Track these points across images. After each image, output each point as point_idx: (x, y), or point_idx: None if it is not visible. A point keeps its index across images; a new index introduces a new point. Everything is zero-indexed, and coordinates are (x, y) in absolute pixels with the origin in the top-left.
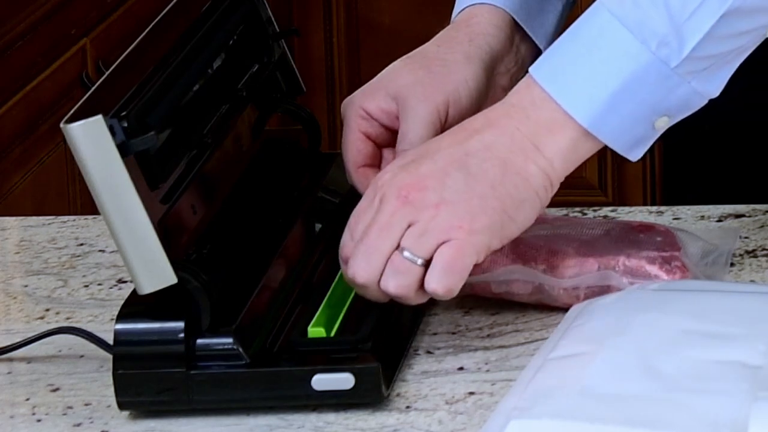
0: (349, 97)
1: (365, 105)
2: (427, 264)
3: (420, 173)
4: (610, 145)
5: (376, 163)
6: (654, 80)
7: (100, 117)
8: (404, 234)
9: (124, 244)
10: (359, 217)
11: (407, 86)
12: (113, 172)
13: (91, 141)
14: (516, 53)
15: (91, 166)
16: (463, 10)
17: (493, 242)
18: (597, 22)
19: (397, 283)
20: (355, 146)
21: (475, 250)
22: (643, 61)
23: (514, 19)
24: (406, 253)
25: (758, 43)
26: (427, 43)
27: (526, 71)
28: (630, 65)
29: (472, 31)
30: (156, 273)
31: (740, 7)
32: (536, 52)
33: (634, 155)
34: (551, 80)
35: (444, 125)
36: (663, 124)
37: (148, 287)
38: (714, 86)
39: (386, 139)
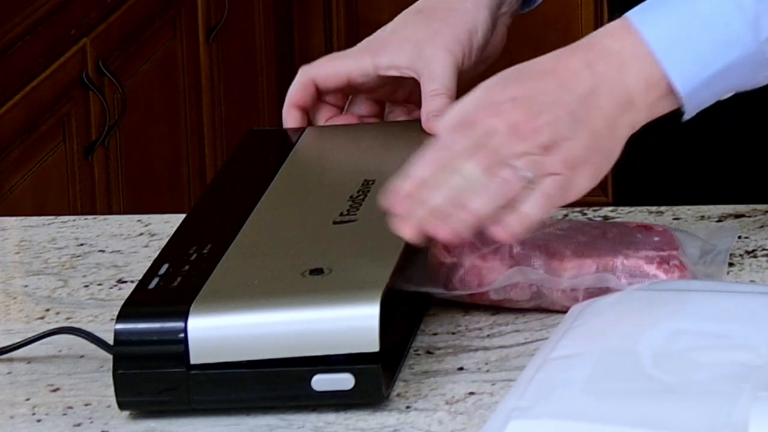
0: (362, 49)
1: (378, 62)
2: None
3: (532, 111)
4: (687, 110)
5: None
6: (751, 67)
7: None
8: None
9: None
10: (450, 137)
11: (425, 40)
12: None
13: None
14: None
15: None
16: None
17: (583, 189)
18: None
19: (510, 186)
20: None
21: (571, 193)
22: (751, 50)
23: None
24: (520, 171)
25: None
26: None
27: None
28: (736, 51)
29: None
30: None
31: None
32: None
33: (691, 115)
34: (662, 46)
35: (460, 73)
36: (727, 95)
37: None
38: None
39: (341, 100)
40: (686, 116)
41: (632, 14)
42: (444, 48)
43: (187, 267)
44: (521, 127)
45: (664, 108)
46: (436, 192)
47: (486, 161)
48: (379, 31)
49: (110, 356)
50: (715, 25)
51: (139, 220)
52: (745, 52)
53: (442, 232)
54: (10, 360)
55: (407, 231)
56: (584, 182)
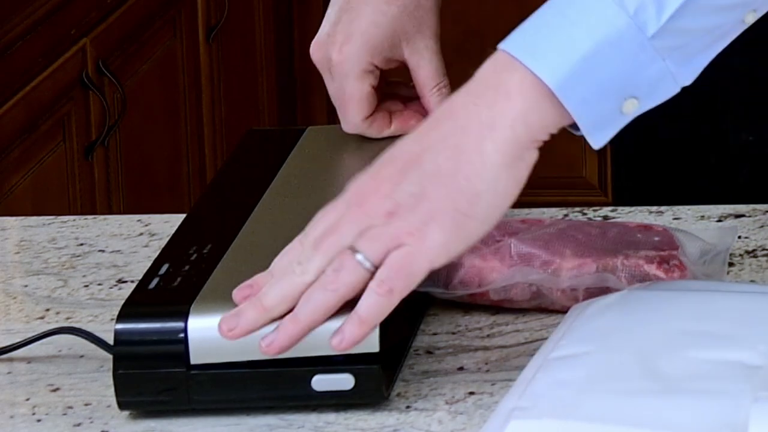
0: (342, 50)
1: (374, 60)
2: (375, 270)
3: (380, 177)
4: (575, 117)
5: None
6: (628, 48)
7: None
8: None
9: None
10: (318, 221)
11: (414, 31)
12: None
13: None
14: None
15: None
16: None
17: (452, 247)
18: None
19: (342, 280)
20: (367, 101)
21: (428, 258)
22: (619, 25)
23: None
24: (358, 256)
25: (736, 33)
26: None
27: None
28: (604, 28)
29: None
30: None
31: None
32: None
33: (597, 140)
34: (517, 45)
35: None
36: (631, 108)
37: None
38: (688, 72)
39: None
40: (590, 137)
41: (499, 45)
42: (432, 37)
43: (187, 267)
44: (364, 199)
45: (549, 115)
46: (273, 288)
47: (332, 250)
48: (352, 18)
49: (110, 356)
50: (572, 8)
51: (139, 220)
52: (616, 27)
53: (267, 350)
54: (10, 360)
55: (229, 334)
56: (439, 235)
